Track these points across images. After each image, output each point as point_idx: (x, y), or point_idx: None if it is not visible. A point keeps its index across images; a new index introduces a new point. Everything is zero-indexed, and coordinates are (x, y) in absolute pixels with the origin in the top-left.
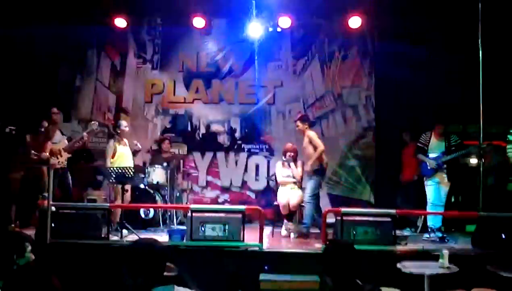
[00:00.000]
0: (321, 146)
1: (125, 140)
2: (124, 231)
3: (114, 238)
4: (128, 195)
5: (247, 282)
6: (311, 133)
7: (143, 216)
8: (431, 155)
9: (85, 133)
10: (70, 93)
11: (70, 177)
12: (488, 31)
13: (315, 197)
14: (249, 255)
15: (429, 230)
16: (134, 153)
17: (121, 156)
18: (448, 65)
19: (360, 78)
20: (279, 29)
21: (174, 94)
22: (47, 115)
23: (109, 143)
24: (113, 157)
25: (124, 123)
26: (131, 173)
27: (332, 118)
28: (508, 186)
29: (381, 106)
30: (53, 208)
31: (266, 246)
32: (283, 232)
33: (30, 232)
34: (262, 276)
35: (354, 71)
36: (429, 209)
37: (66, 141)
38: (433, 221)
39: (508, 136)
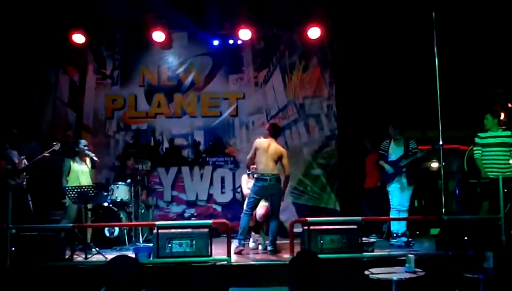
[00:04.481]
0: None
1: (87, 158)
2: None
3: (78, 258)
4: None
5: None
6: None
7: (108, 234)
8: (390, 160)
9: (46, 154)
10: (29, 111)
11: (30, 198)
12: (443, 38)
13: None
14: (217, 270)
15: (393, 235)
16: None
17: (76, 174)
18: (406, 72)
19: (322, 88)
20: (239, 42)
21: (135, 109)
22: (7, 136)
23: (65, 162)
24: (68, 175)
25: (83, 142)
26: (92, 192)
27: (295, 128)
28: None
29: (343, 115)
30: (13, 231)
31: (234, 259)
32: (251, 244)
33: None
34: (232, 290)
35: (315, 81)
36: (392, 214)
37: (25, 161)
38: (397, 226)
39: (475, 139)
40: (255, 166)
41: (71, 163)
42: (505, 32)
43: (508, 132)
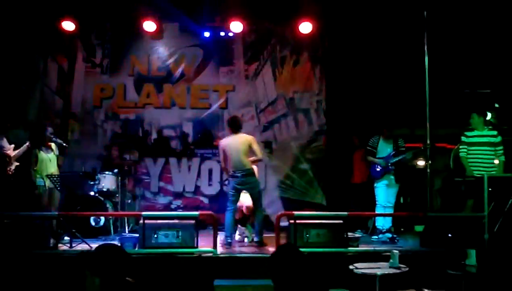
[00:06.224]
0: None
1: (52, 145)
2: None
3: (63, 247)
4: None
5: (202, 288)
6: None
7: (93, 224)
8: (380, 157)
9: (27, 144)
10: (16, 99)
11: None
12: (433, 37)
13: None
14: (203, 261)
15: (378, 231)
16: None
17: (45, 162)
18: (396, 70)
19: (311, 83)
20: (231, 34)
21: (124, 99)
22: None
23: (32, 153)
24: (36, 165)
25: (50, 129)
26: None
27: (284, 123)
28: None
29: (332, 110)
30: None
31: (220, 251)
32: (237, 236)
33: None
34: (217, 282)
35: (305, 76)
36: (377, 210)
37: (12, 150)
38: (382, 222)
39: (462, 137)
40: None
41: (38, 152)
42: (494, 32)
43: (494, 132)
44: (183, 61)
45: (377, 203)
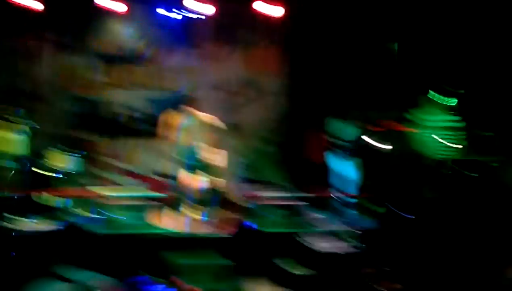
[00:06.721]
0: None
1: (18, 125)
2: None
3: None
4: None
5: (164, 267)
6: None
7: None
8: (340, 140)
9: None
10: None
11: None
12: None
13: None
14: (165, 241)
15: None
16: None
17: (7, 142)
18: (358, 54)
19: (276, 66)
20: (198, 16)
21: (86, 78)
22: None
23: None
24: None
25: (15, 109)
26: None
27: (248, 105)
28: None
29: (295, 93)
30: None
31: (182, 231)
32: (197, 216)
33: None
34: (178, 262)
35: (270, 59)
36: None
37: None
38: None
39: (424, 121)
40: None
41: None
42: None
43: (456, 117)
44: (149, 42)
45: (339, 173)
